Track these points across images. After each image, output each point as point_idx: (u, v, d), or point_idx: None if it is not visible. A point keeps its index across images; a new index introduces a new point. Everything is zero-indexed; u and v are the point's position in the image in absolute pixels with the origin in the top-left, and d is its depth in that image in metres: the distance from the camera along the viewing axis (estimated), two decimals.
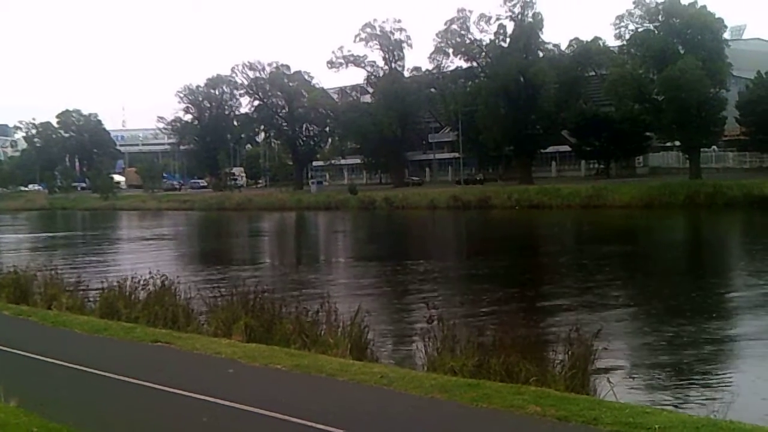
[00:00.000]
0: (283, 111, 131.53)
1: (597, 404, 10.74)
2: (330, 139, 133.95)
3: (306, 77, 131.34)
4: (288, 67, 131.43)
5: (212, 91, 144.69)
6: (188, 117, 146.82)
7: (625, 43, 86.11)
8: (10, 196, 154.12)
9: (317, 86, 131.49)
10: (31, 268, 25.80)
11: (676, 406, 13.30)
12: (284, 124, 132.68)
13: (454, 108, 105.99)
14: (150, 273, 20.57)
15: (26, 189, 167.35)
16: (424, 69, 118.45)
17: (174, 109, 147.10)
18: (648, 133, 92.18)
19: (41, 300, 22.66)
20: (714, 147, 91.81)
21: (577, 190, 79.78)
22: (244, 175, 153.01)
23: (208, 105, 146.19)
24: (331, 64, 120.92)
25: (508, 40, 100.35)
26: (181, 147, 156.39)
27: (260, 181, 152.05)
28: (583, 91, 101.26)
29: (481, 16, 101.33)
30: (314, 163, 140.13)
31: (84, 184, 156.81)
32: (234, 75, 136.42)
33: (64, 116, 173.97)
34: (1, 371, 14.15)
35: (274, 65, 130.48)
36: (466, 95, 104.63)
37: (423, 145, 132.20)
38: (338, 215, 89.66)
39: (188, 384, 12.25)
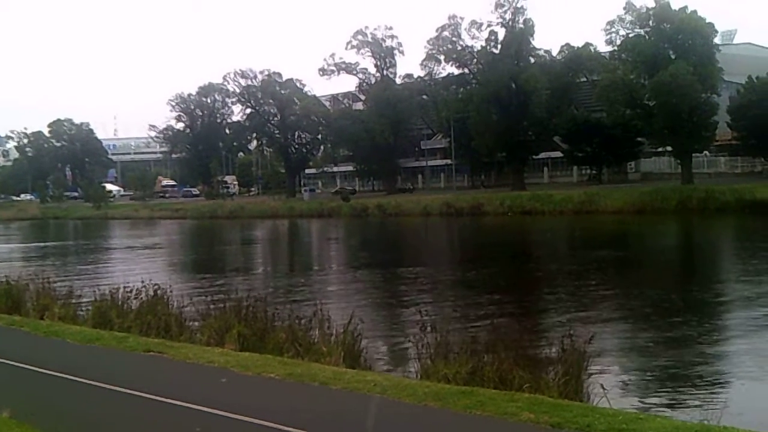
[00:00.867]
0: (275, 119, 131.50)
1: (590, 411, 10.74)
2: (322, 147, 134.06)
3: (298, 85, 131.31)
4: (280, 75, 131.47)
5: (204, 99, 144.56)
6: (180, 125, 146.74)
7: (616, 48, 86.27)
8: (2, 206, 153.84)
9: (309, 94, 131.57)
10: (24, 278, 25.73)
11: (669, 413, 13.30)
12: (276, 131, 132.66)
13: (446, 115, 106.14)
14: (142, 282, 20.53)
15: (18, 199, 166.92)
16: (415, 76, 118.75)
17: (166, 117, 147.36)
18: (640, 139, 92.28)
19: (33, 310, 22.61)
20: (706, 152, 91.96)
21: (570, 196, 79.87)
22: (236, 183, 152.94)
23: (200, 113, 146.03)
24: (322, 71, 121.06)
25: (499, 46, 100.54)
26: (173, 155, 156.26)
27: (252, 189, 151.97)
28: (574, 97, 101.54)
29: (473, 22, 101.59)
30: (307, 171, 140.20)
31: (76, 194, 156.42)
32: (226, 83, 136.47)
33: (56, 126, 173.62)
34: None
35: (266, 73, 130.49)
36: (457, 102, 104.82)
37: (415, 152, 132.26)
38: (331, 222, 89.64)
39: (181, 393, 12.22)
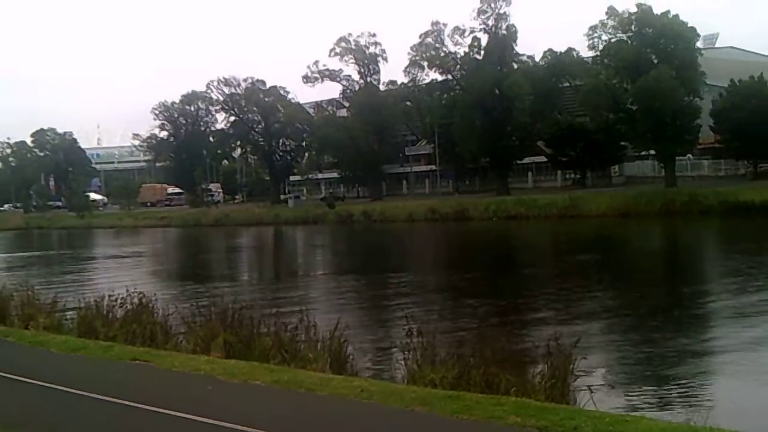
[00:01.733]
0: (260, 126, 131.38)
1: (577, 413, 10.77)
2: (307, 154, 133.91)
3: (282, 92, 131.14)
4: (263, 83, 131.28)
5: (187, 107, 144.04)
6: (164, 134, 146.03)
7: (598, 53, 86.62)
8: None
9: (293, 101, 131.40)
10: (8, 288, 25.58)
11: (656, 413, 13.34)
12: (260, 139, 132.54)
13: (430, 121, 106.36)
14: (127, 291, 20.45)
15: (2, 209, 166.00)
16: (399, 82, 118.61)
17: (149, 126, 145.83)
18: (623, 143, 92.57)
19: (18, 320, 22.47)
20: (689, 155, 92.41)
21: (554, 201, 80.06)
22: (221, 191, 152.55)
23: (184, 121, 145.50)
24: (306, 78, 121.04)
25: (482, 52, 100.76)
26: (157, 164, 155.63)
27: (237, 196, 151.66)
28: (557, 102, 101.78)
29: (456, 29, 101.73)
30: (291, 178, 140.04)
31: (60, 203, 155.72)
32: (209, 91, 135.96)
33: (39, 135, 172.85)
34: None
35: (250, 81, 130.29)
36: (441, 108, 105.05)
37: (400, 158, 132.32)
38: (316, 229, 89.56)
39: (167, 402, 12.18)
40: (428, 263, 48.75)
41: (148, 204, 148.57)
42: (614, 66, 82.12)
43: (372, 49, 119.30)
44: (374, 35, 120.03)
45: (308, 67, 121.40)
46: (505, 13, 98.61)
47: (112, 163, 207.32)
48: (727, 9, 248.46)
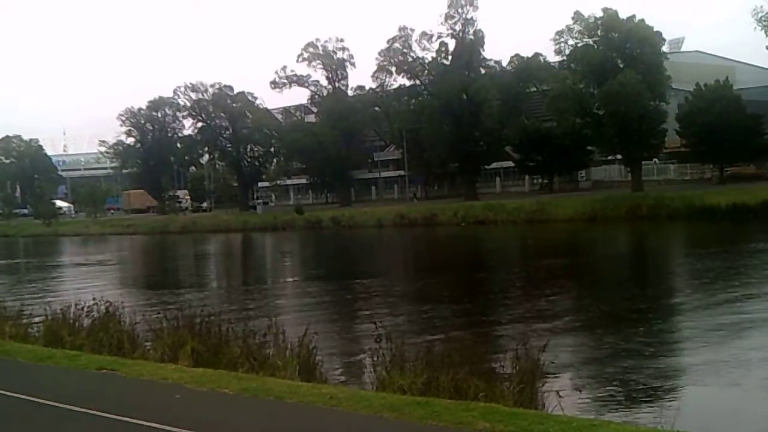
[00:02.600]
0: (227, 132, 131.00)
1: (545, 418, 10.80)
2: (275, 160, 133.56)
3: (249, 98, 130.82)
4: (231, 88, 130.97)
5: (154, 113, 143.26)
6: (131, 140, 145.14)
7: (565, 58, 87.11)
8: None
9: (261, 107, 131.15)
10: None
11: (623, 418, 13.42)
12: (228, 145, 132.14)
13: (399, 126, 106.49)
14: (94, 299, 20.28)
15: None
16: (367, 88, 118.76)
17: (116, 132, 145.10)
18: (590, 147, 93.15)
19: None
20: (655, 159, 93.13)
21: (522, 205, 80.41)
22: (188, 197, 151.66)
23: (151, 128, 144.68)
24: (274, 84, 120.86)
25: (450, 57, 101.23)
26: (124, 170, 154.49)
27: (204, 203, 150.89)
28: (525, 107, 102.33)
29: (423, 34, 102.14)
30: (260, 184, 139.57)
31: (26, 211, 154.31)
32: (176, 97, 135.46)
33: (5, 142, 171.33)
34: None
35: (217, 86, 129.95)
36: (410, 113, 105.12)
37: (368, 163, 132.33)
38: (285, 236, 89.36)
39: (134, 411, 12.08)
40: (397, 269, 48.78)
41: (130, 211, 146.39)
42: (581, 71, 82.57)
43: (340, 55, 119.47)
44: (342, 40, 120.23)
45: (276, 72, 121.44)
46: (472, 18, 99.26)
47: (79, 170, 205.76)
48: (693, 14, 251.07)
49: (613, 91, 75.90)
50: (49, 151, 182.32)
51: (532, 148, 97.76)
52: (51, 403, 13.10)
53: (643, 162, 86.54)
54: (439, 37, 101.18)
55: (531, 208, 78.70)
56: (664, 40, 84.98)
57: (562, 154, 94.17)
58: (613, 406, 14.99)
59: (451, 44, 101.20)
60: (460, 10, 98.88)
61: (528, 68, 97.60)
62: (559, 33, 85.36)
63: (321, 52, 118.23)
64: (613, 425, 10.72)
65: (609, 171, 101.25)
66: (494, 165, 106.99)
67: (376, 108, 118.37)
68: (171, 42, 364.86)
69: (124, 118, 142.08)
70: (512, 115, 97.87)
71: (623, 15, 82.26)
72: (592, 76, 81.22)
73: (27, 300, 31.03)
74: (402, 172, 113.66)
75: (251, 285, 42.96)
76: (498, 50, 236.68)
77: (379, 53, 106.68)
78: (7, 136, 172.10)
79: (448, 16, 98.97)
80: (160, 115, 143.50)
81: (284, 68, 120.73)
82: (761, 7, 77.62)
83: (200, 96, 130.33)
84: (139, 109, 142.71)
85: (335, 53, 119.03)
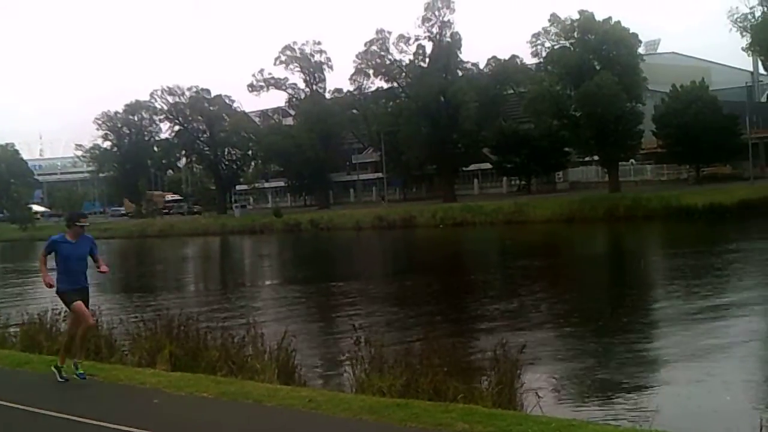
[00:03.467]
0: (205, 135, 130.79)
1: (524, 419, 10.80)
2: (253, 163, 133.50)
3: (227, 101, 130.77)
4: (208, 91, 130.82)
5: (131, 117, 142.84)
6: (107, 144, 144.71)
7: (542, 60, 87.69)
8: None
9: (238, 110, 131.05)
10: None
11: (602, 418, 13.46)
12: (206, 148, 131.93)
13: (377, 128, 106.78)
14: None
15: None
16: (345, 90, 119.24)
17: (92, 136, 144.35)
18: (567, 149, 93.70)
19: None
20: (632, 160, 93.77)
21: (500, 207, 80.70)
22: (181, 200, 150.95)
23: (128, 131, 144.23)
24: (251, 87, 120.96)
25: (427, 60, 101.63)
26: (101, 174, 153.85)
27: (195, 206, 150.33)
28: (502, 109, 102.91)
29: (400, 36, 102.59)
30: (238, 187, 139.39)
31: (1, 215, 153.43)
32: (153, 100, 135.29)
33: None
34: None
35: (194, 90, 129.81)
36: (387, 116, 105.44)
37: (347, 166, 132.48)
38: (263, 239, 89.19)
39: (112, 416, 11.99)
40: (375, 271, 48.74)
41: (130, 214, 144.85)
42: (557, 72, 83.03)
43: (317, 57, 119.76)
44: (319, 43, 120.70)
45: (253, 75, 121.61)
46: (449, 21, 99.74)
47: (55, 174, 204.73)
48: (668, 15, 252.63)
49: (589, 92, 76.34)
50: (25, 156, 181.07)
51: (510, 150, 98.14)
52: (28, 409, 13.00)
53: (620, 163, 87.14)
54: (417, 39, 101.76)
55: (509, 210, 79.01)
56: (640, 41, 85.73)
57: (539, 155, 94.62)
58: (592, 405, 15.04)
59: (429, 47, 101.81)
60: (437, 13, 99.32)
61: (505, 70, 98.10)
62: (536, 35, 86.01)
63: (298, 54, 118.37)
64: (592, 425, 10.74)
65: (586, 172, 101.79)
66: (472, 167, 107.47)
67: (354, 110, 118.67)
68: (148, 45, 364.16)
69: (100, 122, 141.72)
70: (490, 117, 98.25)
71: (599, 17, 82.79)
72: (568, 78, 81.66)
73: (3, 305, 30.82)
74: (380, 175, 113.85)
75: (229, 288, 42.82)
76: (475, 53, 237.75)
77: (357, 56, 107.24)
78: None
79: (425, 19, 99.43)
80: (136, 118, 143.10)
81: (261, 71, 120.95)
82: (737, 8, 78.36)
83: (177, 99, 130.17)
84: (116, 113, 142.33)
85: (312, 56, 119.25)
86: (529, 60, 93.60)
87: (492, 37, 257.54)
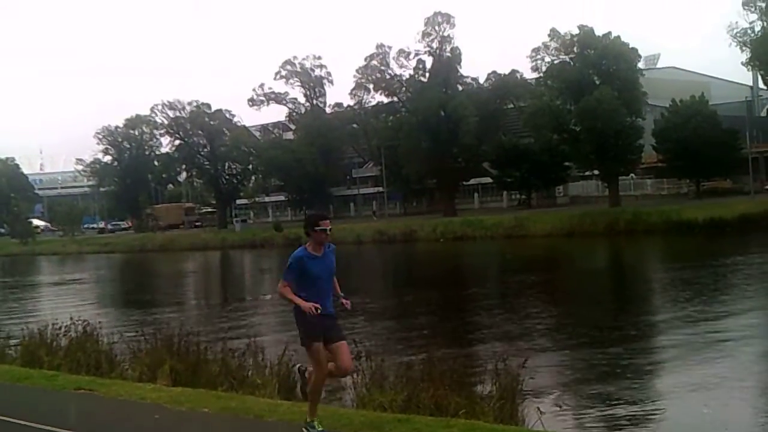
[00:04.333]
0: (205, 150, 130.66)
1: None
2: (253, 177, 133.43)
3: (227, 115, 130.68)
4: (209, 106, 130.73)
5: (131, 131, 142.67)
6: (107, 158, 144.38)
7: (541, 75, 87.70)
8: None
9: (239, 124, 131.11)
10: None
11: None
12: (206, 162, 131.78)
13: (377, 143, 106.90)
14: (71, 319, 20.10)
15: None
16: (345, 105, 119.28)
17: (93, 150, 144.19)
18: (567, 163, 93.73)
19: None
20: (632, 175, 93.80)
21: (500, 221, 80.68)
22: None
23: (128, 146, 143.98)
24: (252, 101, 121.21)
25: (427, 74, 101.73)
26: (101, 189, 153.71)
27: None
28: (502, 124, 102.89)
29: (401, 51, 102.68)
30: (238, 202, 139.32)
31: (2, 230, 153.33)
32: (153, 115, 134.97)
33: None
34: None
35: (195, 104, 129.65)
36: (388, 130, 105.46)
37: (347, 180, 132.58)
38: (264, 253, 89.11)
39: (114, 431, 11.99)
40: (375, 286, 48.70)
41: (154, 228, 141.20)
42: (557, 87, 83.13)
43: (318, 72, 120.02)
44: (320, 58, 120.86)
45: (254, 90, 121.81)
46: (449, 35, 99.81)
47: (56, 188, 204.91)
48: (668, 30, 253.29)
49: (589, 107, 76.40)
50: (25, 170, 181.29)
51: (510, 164, 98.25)
52: (28, 424, 12.96)
53: (620, 177, 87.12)
54: (417, 54, 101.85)
55: (509, 224, 78.97)
56: (640, 56, 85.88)
57: (539, 169, 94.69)
58: (594, 419, 15.01)
59: (429, 61, 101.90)
60: (437, 28, 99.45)
61: (505, 85, 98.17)
62: (536, 50, 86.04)
63: (299, 69, 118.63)
64: None
65: (586, 186, 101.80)
66: (472, 181, 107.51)
67: (354, 125, 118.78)
68: (148, 60, 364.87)
69: (100, 137, 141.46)
70: (490, 132, 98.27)
71: (599, 32, 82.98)
72: (568, 93, 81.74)
73: (4, 320, 30.79)
74: (380, 189, 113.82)
75: (230, 303, 42.77)
76: (475, 67, 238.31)
77: (357, 70, 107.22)
78: None
79: (425, 34, 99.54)
80: (137, 133, 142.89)
81: (262, 86, 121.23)
82: (736, 23, 78.59)
83: (178, 114, 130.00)
84: (116, 127, 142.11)
85: (313, 71, 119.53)
86: (529, 75, 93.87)
87: (492, 52, 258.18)
